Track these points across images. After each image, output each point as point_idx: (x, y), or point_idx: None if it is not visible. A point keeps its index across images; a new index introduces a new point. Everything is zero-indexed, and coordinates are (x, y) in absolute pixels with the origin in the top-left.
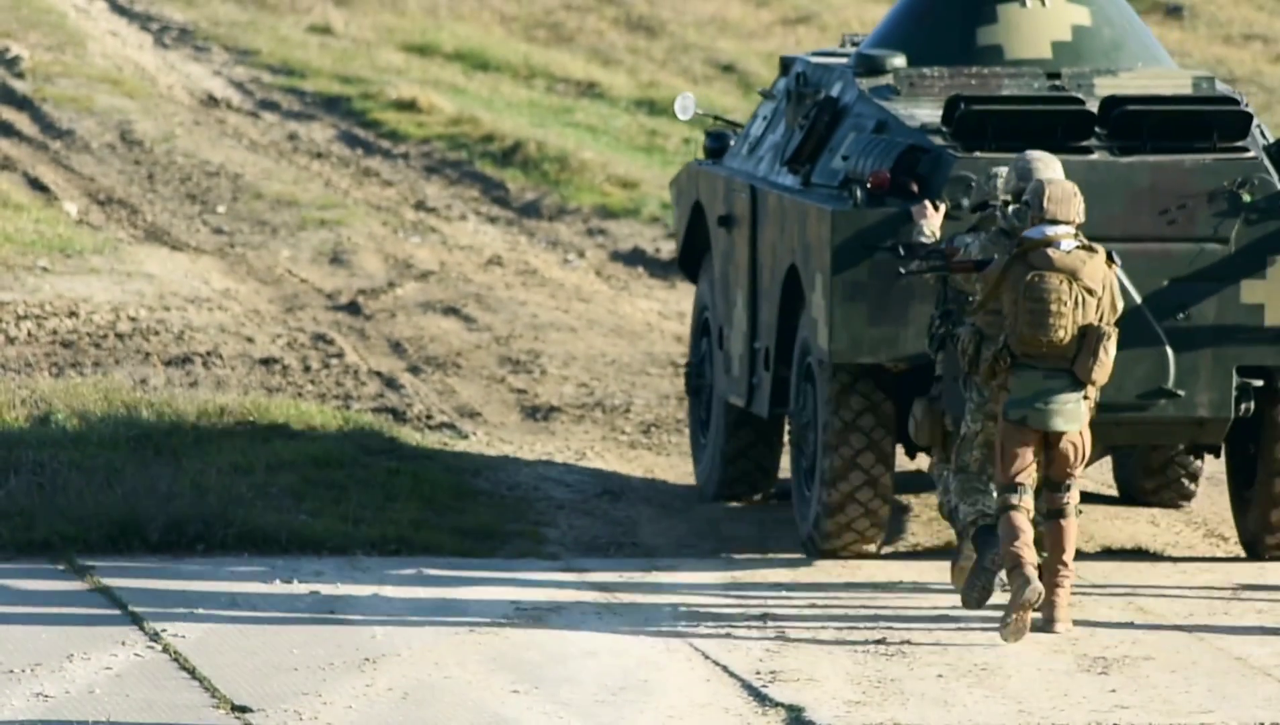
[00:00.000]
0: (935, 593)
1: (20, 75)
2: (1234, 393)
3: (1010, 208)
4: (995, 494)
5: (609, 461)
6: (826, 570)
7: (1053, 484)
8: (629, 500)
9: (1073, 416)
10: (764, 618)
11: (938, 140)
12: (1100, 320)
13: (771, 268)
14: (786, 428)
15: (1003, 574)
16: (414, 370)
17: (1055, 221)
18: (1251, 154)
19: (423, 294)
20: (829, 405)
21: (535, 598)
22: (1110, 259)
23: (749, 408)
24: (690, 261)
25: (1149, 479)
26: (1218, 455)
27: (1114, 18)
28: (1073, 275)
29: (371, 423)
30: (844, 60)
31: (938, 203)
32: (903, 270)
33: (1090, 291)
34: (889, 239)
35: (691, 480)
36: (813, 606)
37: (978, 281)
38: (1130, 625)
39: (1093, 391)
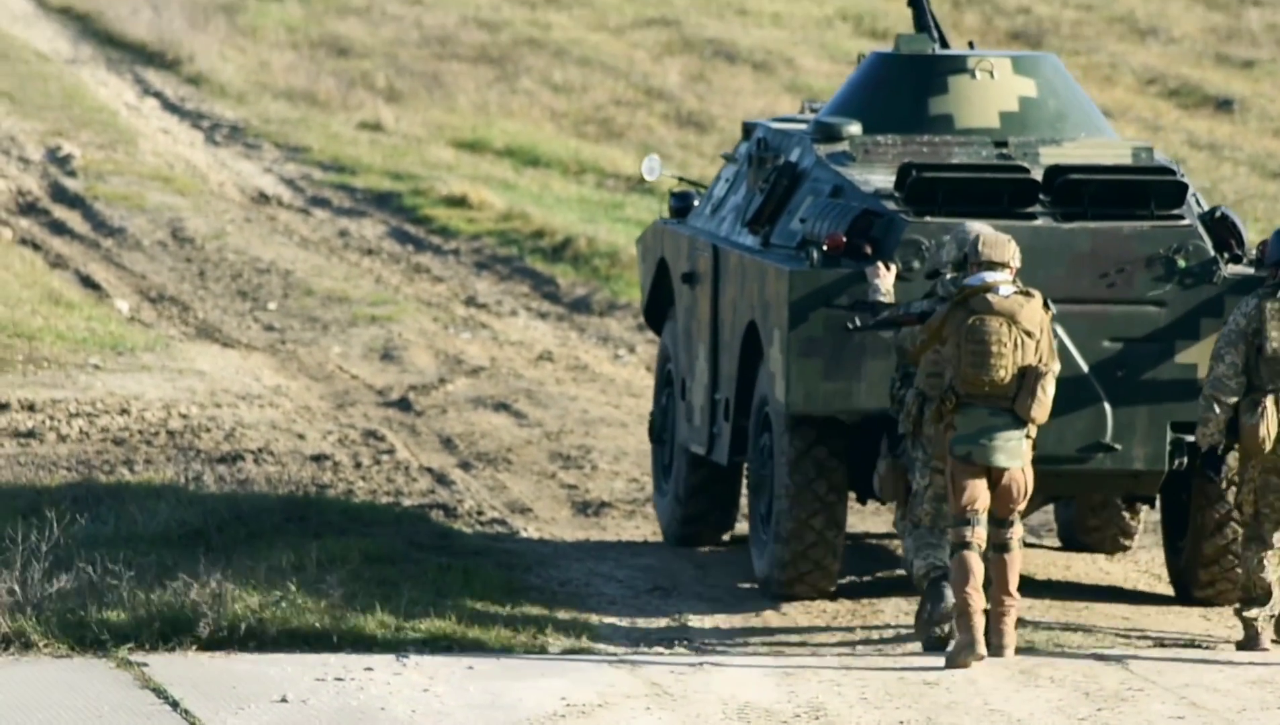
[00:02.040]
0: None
1: (72, 173)
2: (1168, 447)
3: (949, 276)
4: (949, 537)
5: (660, 557)
6: (876, 665)
7: (997, 520)
8: (680, 595)
9: (1014, 453)
10: (815, 712)
11: (890, 205)
12: (1039, 361)
13: (732, 323)
14: (745, 474)
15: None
16: (465, 466)
17: (991, 264)
18: (1187, 222)
19: (473, 390)
20: (785, 468)
21: (585, 694)
22: (1046, 305)
23: (709, 456)
24: (655, 315)
25: (1086, 535)
26: (1153, 507)
27: (1059, 89)
28: (1011, 318)
29: (422, 519)
30: (803, 126)
31: (890, 264)
32: (849, 326)
33: (1029, 334)
34: (843, 298)
35: (745, 577)
36: (863, 699)
37: (920, 337)
38: (1181, 720)
39: (1033, 429)
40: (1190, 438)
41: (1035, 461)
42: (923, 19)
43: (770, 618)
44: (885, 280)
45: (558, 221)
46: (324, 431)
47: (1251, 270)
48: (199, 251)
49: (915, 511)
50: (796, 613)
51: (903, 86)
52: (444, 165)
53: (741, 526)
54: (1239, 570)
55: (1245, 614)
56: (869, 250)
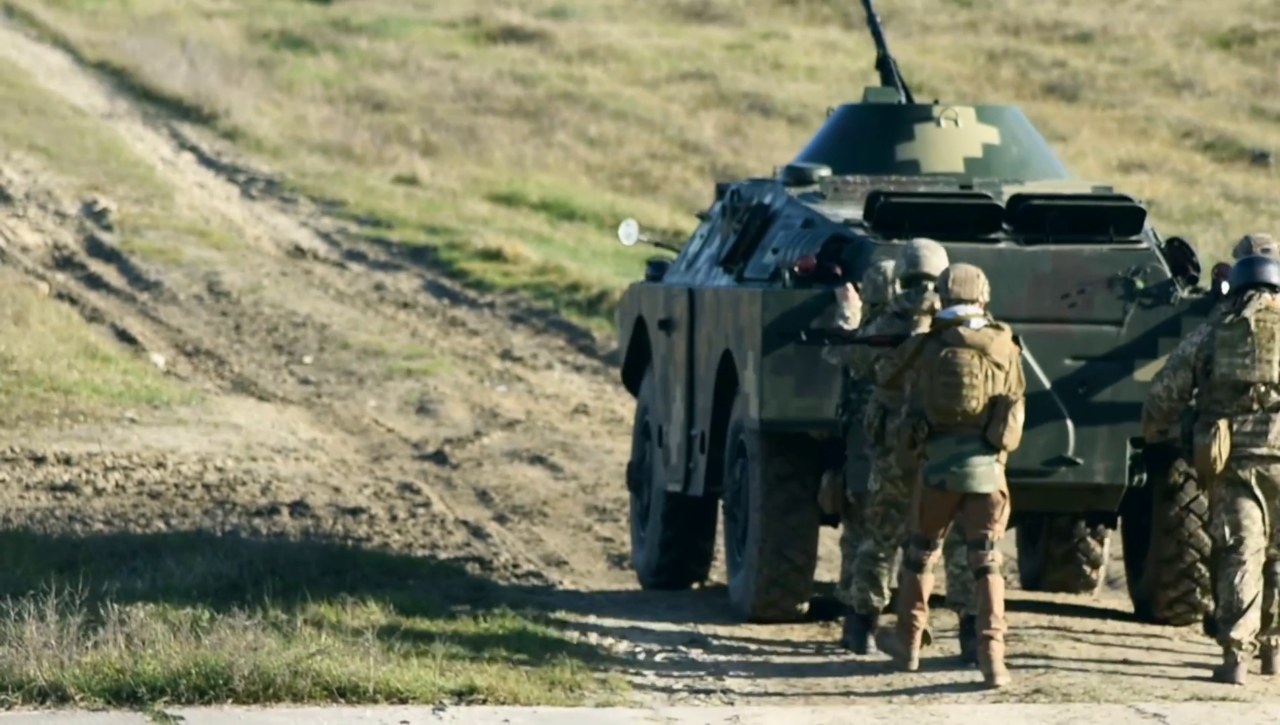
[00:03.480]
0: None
1: (108, 228)
2: (1128, 462)
3: (901, 291)
4: (906, 553)
5: (695, 609)
6: (912, 719)
7: (975, 542)
8: (715, 648)
9: (986, 478)
10: None
11: (859, 231)
12: (1009, 391)
13: (707, 357)
14: (719, 515)
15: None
16: (500, 519)
17: (962, 301)
18: (1145, 246)
19: (509, 443)
20: (759, 488)
21: None
22: (1016, 339)
23: (686, 491)
24: (632, 375)
25: (1053, 569)
26: (1114, 526)
27: (1021, 137)
28: (982, 351)
29: (458, 572)
30: (774, 181)
31: (858, 285)
32: (802, 339)
33: (998, 365)
34: (814, 319)
35: (785, 631)
36: None
37: (886, 358)
38: None
39: (1004, 454)
40: (1148, 452)
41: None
42: (890, 78)
43: (806, 668)
44: (854, 301)
45: (593, 275)
46: (360, 485)
47: (1205, 292)
48: (235, 305)
49: (865, 509)
50: (835, 663)
51: (871, 134)
52: (479, 219)
53: (716, 574)
54: (1199, 593)
55: (1231, 635)
56: (839, 272)
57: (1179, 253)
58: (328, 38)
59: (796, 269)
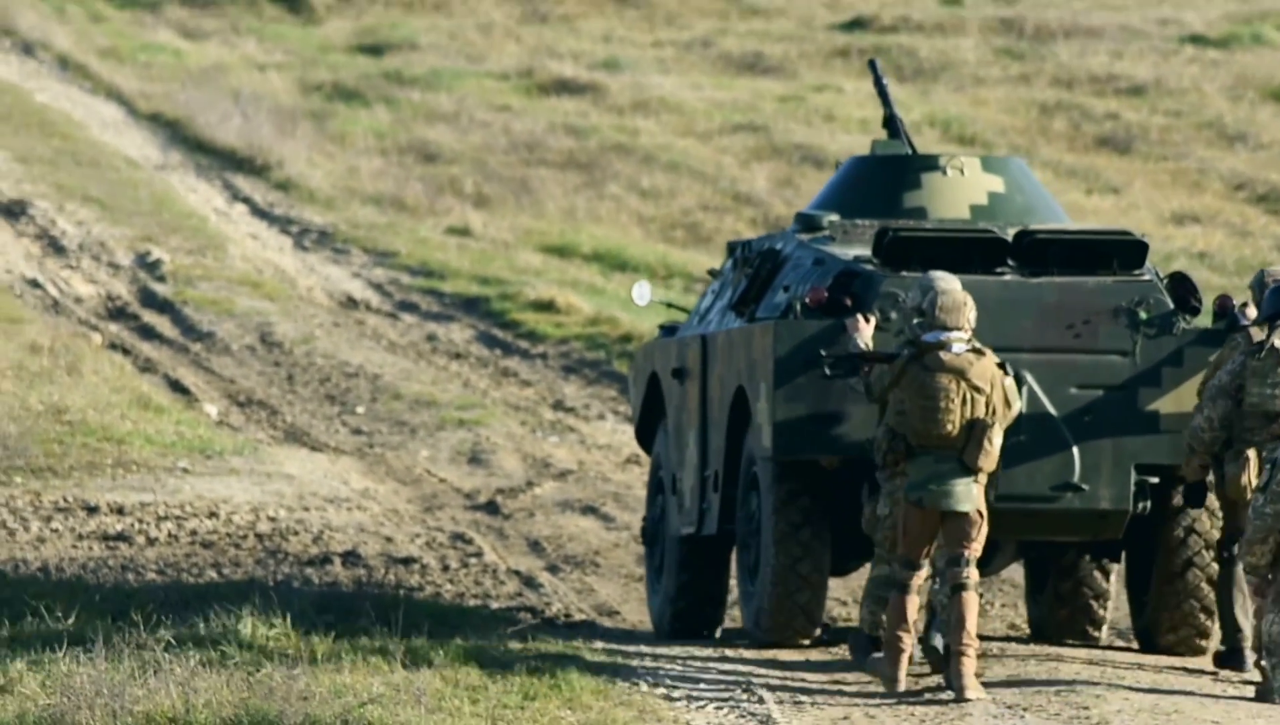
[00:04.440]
0: None
1: (161, 278)
2: (1132, 488)
3: (915, 321)
4: (895, 575)
5: (746, 658)
6: None
7: (953, 559)
8: (767, 695)
9: (964, 497)
10: None
11: (869, 266)
12: (990, 414)
13: (720, 398)
14: (732, 560)
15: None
16: (552, 569)
17: (946, 327)
18: (1148, 278)
19: (561, 493)
20: (771, 517)
21: None
22: (1002, 366)
23: (700, 531)
24: (647, 434)
25: (1060, 608)
26: (1118, 558)
27: (1025, 187)
28: (961, 375)
29: (510, 621)
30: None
31: (868, 316)
32: (828, 371)
33: (978, 389)
34: (825, 348)
35: (841, 681)
36: None
37: (885, 379)
38: None
39: (984, 475)
40: (1154, 479)
41: (1007, 500)
42: (897, 133)
43: (856, 716)
44: (864, 332)
45: (645, 326)
46: (412, 534)
47: (1208, 324)
48: (287, 356)
49: (878, 533)
50: (884, 714)
51: (879, 183)
52: (532, 270)
53: (730, 623)
54: (1203, 617)
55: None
56: (849, 303)
57: (1180, 285)
58: (380, 89)
59: (807, 301)
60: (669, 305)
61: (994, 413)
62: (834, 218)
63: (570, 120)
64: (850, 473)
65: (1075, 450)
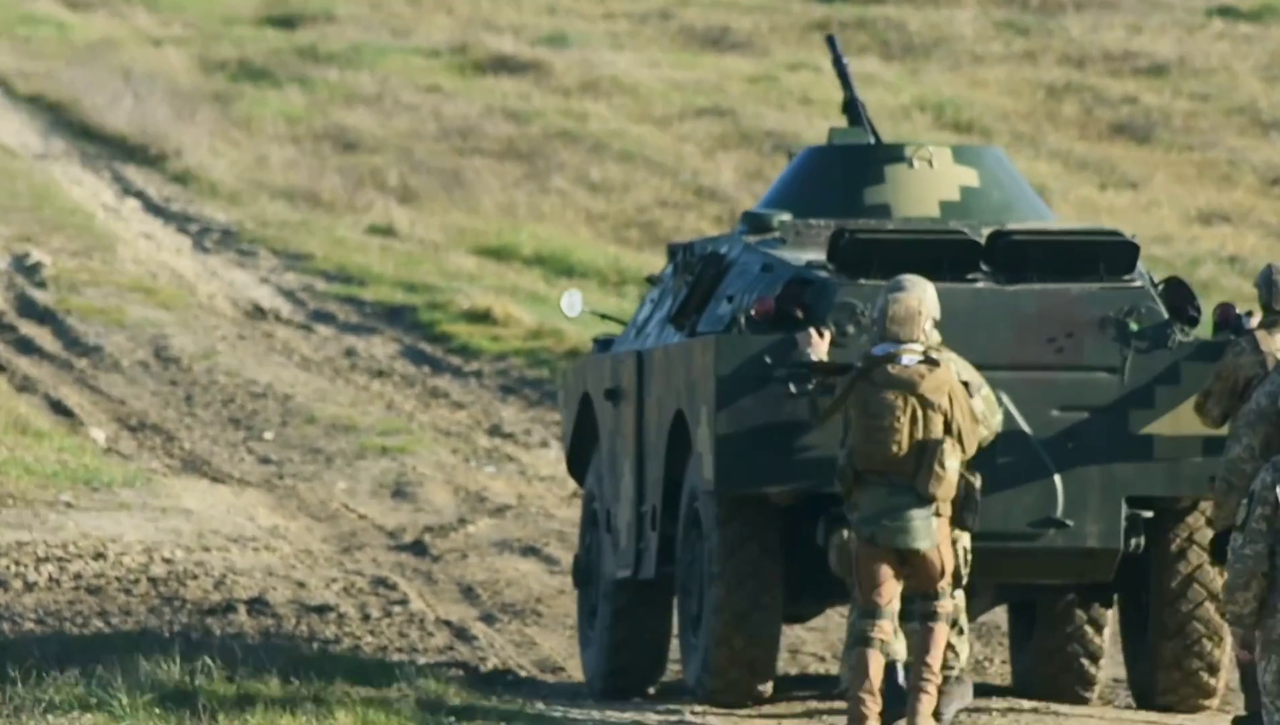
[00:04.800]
0: None
1: (42, 284)
2: (1123, 524)
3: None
4: (851, 628)
5: (705, 719)
6: None
7: (921, 595)
8: None
9: (922, 533)
10: None
11: (823, 273)
12: (949, 432)
13: (658, 422)
14: (674, 607)
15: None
16: (488, 619)
17: (898, 341)
18: (1139, 284)
19: (498, 531)
20: (716, 559)
21: None
22: (969, 392)
23: (637, 574)
24: (579, 462)
25: (1047, 663)
26: (1108, 604)
27: (1002, 180)
28: (909, 389)
29: (440, 679)
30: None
31: (822, 330)
32: (792, 391)
33: (929, 404)
34: (776, 367)
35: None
36: None
37: (833, 399)
38: None
39: (946, 506)
40: (1148, 513)
41: (981, 538)
42: (859, 120)
43: None
44: (818, 348)
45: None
46: (327, 579)
47: (1208, 337)
48: (185, 373)
49: (848, 582)
50: None
51: (838, 177)
52: (465, 275)
53: (671, 674)
54: (1206, 674)
55: None
56: (800, 315)
57: (1176, 293)
58: (292, 68)
59: (754, 312)
60: (602, 316)
61: (956, 430)
62: (785, 217)
63: (509, 103)
64: (807, 507)
65: (1057, 480)
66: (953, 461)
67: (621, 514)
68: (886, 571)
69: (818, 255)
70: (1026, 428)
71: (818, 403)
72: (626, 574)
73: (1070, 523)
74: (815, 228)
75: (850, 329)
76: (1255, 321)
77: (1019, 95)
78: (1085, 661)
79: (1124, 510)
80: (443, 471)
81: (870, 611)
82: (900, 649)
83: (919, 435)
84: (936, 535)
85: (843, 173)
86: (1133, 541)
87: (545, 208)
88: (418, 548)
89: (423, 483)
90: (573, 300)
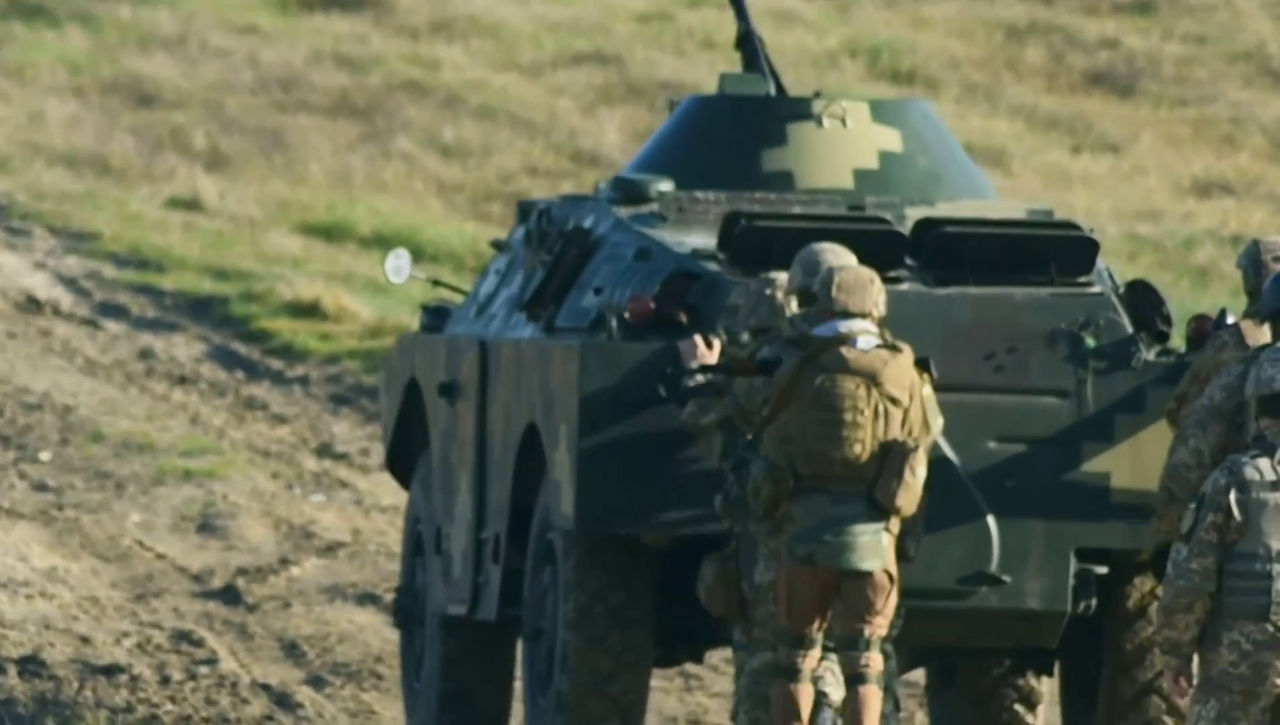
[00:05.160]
0: None
1: None
2: (1071, 581)
3: (799, 312)
4: (775, 659)
5: None
6: None
7: (849, 640)
8: None
9: (872, 552)
10: None
11: (712, 265)
12: (908, 434)
13: (504, 435)
14: (518, 653)
15: None
16: (316, 682)
17: (848, 314)
18: (1097, 290)
19: (328, 574)
20: (572, 609)
21: None
22: (925, 367)
23: (474, 614)
24: (403, 461)
25: (973, 713)
26: (1050, 670)
27: (931, 143)
28: (872, 379)
29: None
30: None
31: (711, 338)
32: (663, 392)
33: (894, 400)
34: (654, 383)
35: None
36: None
37: (764, 397)
38: None
39: (896, 522)
40: (1101, 570)
41: (902, 595)
42: (755, 60)
43: None
44: (705, 358)
45: None
46: (117, 633)
47: (1179, 353)
48: None
49: (759, 611)
50: None
51: (729, 137)
52: (288, 259)
53: None
54: None
55: None
56: (684, 319)
57: (1143, 300)
58: (74, 4)
59: (627, 315)
60: (436, 283)
61: (913, 431)
62: (666, 186)
63: (342, 48)
64: (686, 551)
65: (993, 527)
66: (922, 469)
67: (456, 537)
68: (820, 598)
69: (706, 240)
70: (956, 462)
71: (744, 407)
72: (461, 612)
73: (1007, 579)
74: (703, 203)
75: (745, 336)
76: (1235, 317)
77: (972, 38)
78: (1021, 709)
79: (1073, 565)
80: (260, 500)
81: (799, 641)
82: (836, 692)
83: (882, 435)
84: (887, 556)
85: (734, 131)
86: (1082, 603)
87: (387, 176)
88: (229, 594)
89: (235, 514)
90: (399, 263)
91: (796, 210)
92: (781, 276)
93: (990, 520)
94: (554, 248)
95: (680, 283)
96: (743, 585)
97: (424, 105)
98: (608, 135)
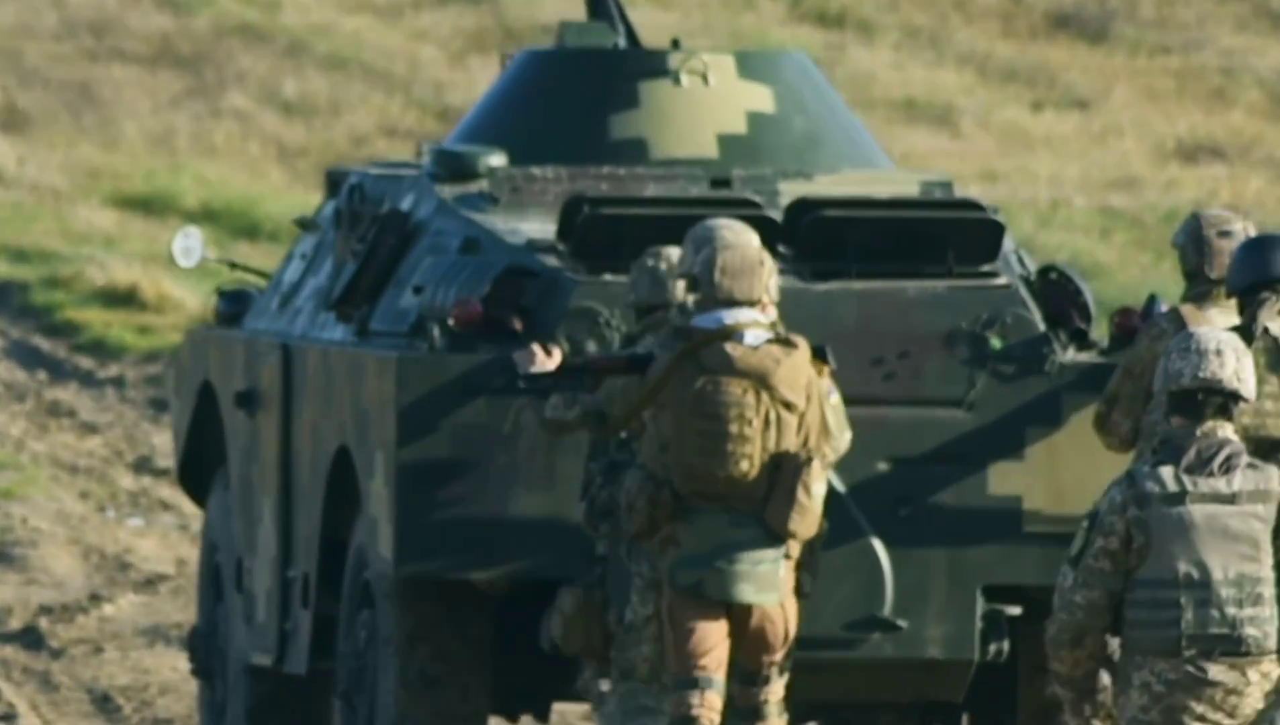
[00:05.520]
0: None
1: None
2: (979, 624)
3: (689, 298)
4: (669, 708)
5: None
6: None
7: (745, 675)
8: None
9: (767, 583)
10: None
11: (551, 260)
12: (803, 444)
13: (312, 457)
14: (335, 711)
15: None
16: None
17: (733, 302)
18: (1003, 281)
19: (147, 613)
20: (394, 665)
21: None
22: (822, 357)
23: (281, 666)
24: (196, 475)
25: None
26: None
27: (808, 102)
28: (762, 381)
29: None
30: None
31: (550, 347)
32: (521, 384)
33: (788, 405)
34: (484, 400)
35: None
36: None
37: (633, 399)
38: None
39: (796, 546)
40: (1013, 611)
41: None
42: (602, 7)
43: None
44: (543, 365)
45: None
46: None
47: (1102, 352)
48: None
49: (628, 654)
50: None
51: (571, 97)
52: (100, 237)
53: None
54: None
55: None
56: (519, 326)
57: (1059, 292)
58: None
59: (452, 321)
60: (234, 266)
61: (808, 441)
62: (498, 160)
63: None
64: (526, 597)
65: (886, 565)
66: (820, 486)
67: (259, 573)
68: (714, 631)
69: (544, 227)
70: (841, 487)
71: (604, 412)
72: (266, 662)
73: (903, 624)
74: (540, 181)
75: (591, 344)
76: (1167, 304)
77: None
78: None
79: (980, 606)
80: (66, 525)
81: (691, 683)
82: None
83: (773, 447)
84: (784, 587)
85: (577, 91)
86: (992, 647)
87: (217, 138)
88: (29, 637)
89: (37, 543)
90: (188, 243)
91: (650, 191)
92: (672, 252)
93: (882, 555)
94: (367, 235)
95: (513, 282)
96: (609, 618)
97: (261, 54)
98: (478, 88)
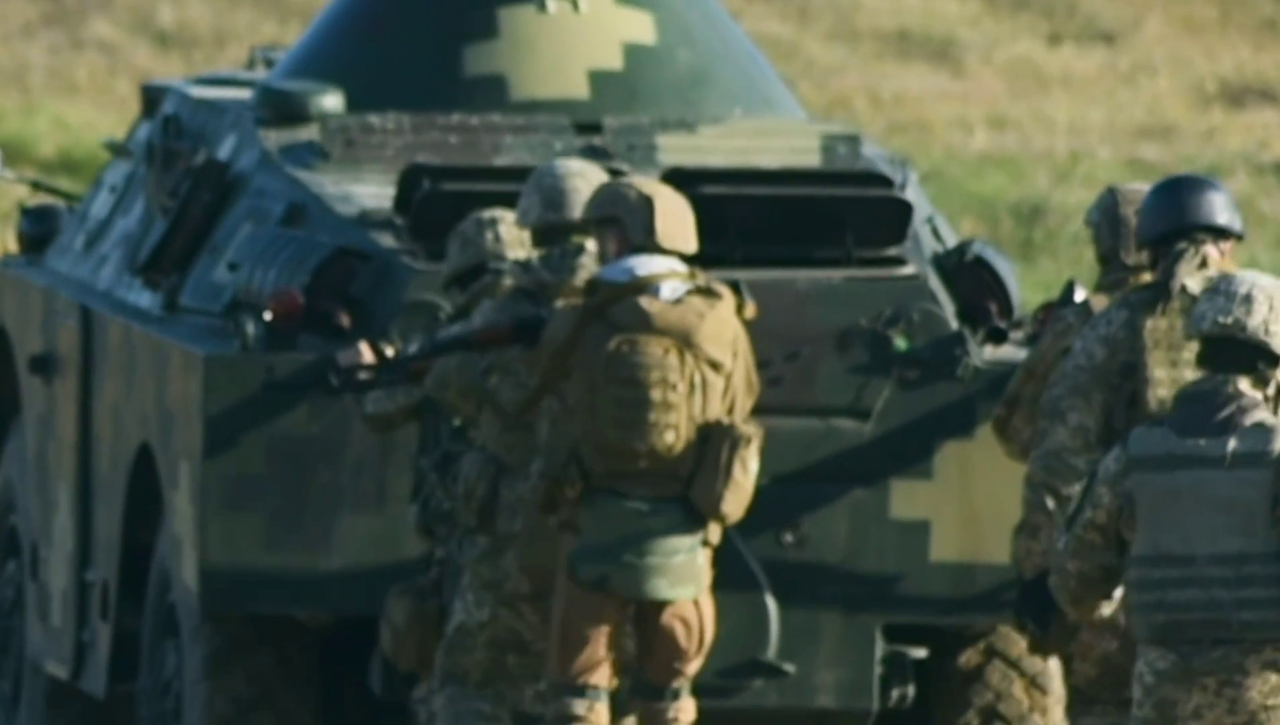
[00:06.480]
0: None
1: None
2: (878, 669)
3: (536, 255)
4: (549, 713)
5: None
6: None
7: (652, 689)
8: None
9: (684, 576)
10: None
11: (386, 239)
12: (729, 408)
13: (113, 447)
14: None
15: None
16: None
17: (657, 251)
18: (910, 270)
19: None
20: (200, 703)
21: None
22: (740, 301)
23: (77, 680)
24: None
25: None
26: None
27: (696, 33)
28: (685, 339)
29: None
30: (244, 98)
31: (382, 344)
32: (334, 383)
33: (714, 365)
34: (305, 406)
35: None
36: None
37: (508, 368)
38: None
39: (716, 532)
40: (919, 653)
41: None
42: None
43: None
44: (369, 362)
45: None
46: None
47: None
48: None
49: (458, 659)
50: None
51: (419, 25)
52: None
53: None
54: None
55: None
56: (346, 320)
57: (974, 280)
58: None
59: (269, 313)
60: (37, 186)
61: (736, 404)
62: (332, 102)
63: None
64: (359, 629)
65: (770, 602)
66: (754, 459)
67: (55, 568)
68: (607, 632)
69: (381, 193)
70: None
71: (493, 386)
72: (61, 674)
73: (790, 669)
74: (379, 134)
75: (410, 347)
76: (1081, 297)
77: None
78: None
79: (879, 648)
80: None
81: (578, 691)
82: None
83: (699, 415)
84: (702, 579)
85: (427, 17)
86: (894, 694)
87: (79, 74)
88: None
89: None
90: None
91: (507, 144)
92: (506, 214)
93: (765, 590)
94: (180, 186)
95: (341, 268)
96: (446, 630)
97: None
98: None
